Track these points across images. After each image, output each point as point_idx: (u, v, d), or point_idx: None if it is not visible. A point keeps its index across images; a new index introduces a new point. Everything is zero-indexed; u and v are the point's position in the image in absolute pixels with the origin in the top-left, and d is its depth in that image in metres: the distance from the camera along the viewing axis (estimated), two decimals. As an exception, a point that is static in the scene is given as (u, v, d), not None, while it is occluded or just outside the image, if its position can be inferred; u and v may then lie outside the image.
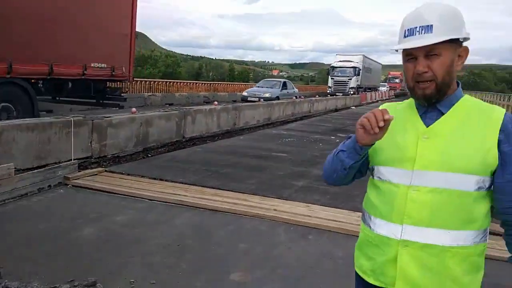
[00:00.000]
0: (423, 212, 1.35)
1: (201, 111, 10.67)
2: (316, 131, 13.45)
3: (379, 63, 58.98)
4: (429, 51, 1.31)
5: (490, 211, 1.42)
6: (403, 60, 1.40)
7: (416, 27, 1.31)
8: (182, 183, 6.04)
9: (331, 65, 42.22)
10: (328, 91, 39.61)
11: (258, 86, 24.43)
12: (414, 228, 1.36)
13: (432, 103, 1.38)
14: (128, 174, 6.35)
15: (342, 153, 1.47)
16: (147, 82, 24.21)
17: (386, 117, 1.30)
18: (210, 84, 32.66)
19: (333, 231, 4.46)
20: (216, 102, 14.23)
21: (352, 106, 28.89)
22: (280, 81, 25.00)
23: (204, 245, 4.03)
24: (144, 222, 4.54)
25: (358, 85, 40.90)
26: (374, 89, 51.56)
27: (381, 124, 1.30)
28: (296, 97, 22.96)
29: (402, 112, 1.47)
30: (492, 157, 1.32)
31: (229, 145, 9.85)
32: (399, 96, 53.56)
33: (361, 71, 40.94)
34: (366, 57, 45.75)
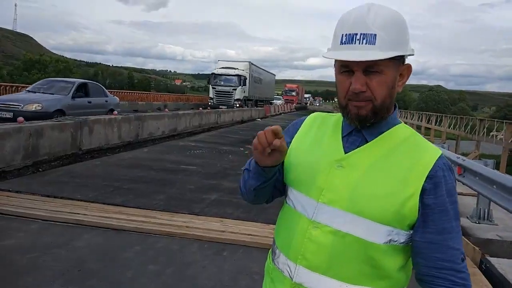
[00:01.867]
0: (321, 257, 1.12)
1: (99, 121, 9.99)
2: (225, 143, 13.42)
3: (272, 74, 55.37)
4: (369, 67, 1.07)
5: (409, 269, 1.19)
6: (335, 70, 1.15)
7: (356, 34, 1.06)
8: (80, 200, 5.53)
9: (212, 72, 36.42)
10: (209, 103, 34.40)
11: (29, 91, 13.21)
12: (308, 272, 1.13)
13: (366, 126, 1.14)
14: (17, 192, 5.67)
15: (247, 173, 1.24)
16: (35, 89, 22.10)
17: (270, 140, 1.08)
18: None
19: (248, 245, 4.39)
20: (116, 112, 13.46)
21: (258, 118, 29.64)
22: (74, 83, 13.37)
23: (108, 269, 3.69)
24: (38, 246, 4.03)
25: (245, 96, 36.18)
26: (268, 102, 48.19)
27: (268, 150, 1.08)
28: (113, 110, 14.33)
29: (328, 128, 1.26)
30: (410, 209, 1.08)
31: (133, 158, 9.35)
32: (299, 110, 56.07)
33: (247, 81, 36.17)
34: (253, 65, 40.75)
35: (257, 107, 37.29)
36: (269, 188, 1.26)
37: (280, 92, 75.66)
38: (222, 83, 34.89)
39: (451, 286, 1.08)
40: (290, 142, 1.28)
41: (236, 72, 35.46)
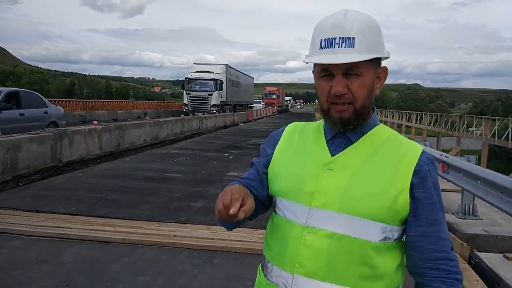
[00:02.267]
0: (318, 262, 1.11)
1: (79, 132, 9.82)
2: (208, 149, 13.33)
3: (251, 77, 52.57)
4: (349, 70, 1.10)
5: (403, 267, 1.20)
6: (315, 76, 1.17)
7: (335, 38, 1.09)
8: (64, 213, 5.41)
9: (186, 76, 33.95)
10: (184, 110, 32.13)
11: None
12: (307, 280, 1.12)
13: (349, 128, 1.16)
14: (-3, 208, 5.47)
15: (220, 221, 1.13)
16: (11, 101, 21.62)
17: (231, 213, 1.02)
18: (86, 102, 30.53)
19: (239, 252, 4.35)
20: (95, 122, 13.26)
21: (240, 122, 29.58)
22: (0, 92, 11.17)
23: (97, 282, 3.60)
24: (23, 262, 3.91)
25: (223, 101, 34.24)
26: (247, 106, 46.25)
27: (233, 219, 1.04)
28: (56, 123, 12.44)
29: (310, 134, 1.26)
30: (402, 204, 1.11)
31: (115, 168, 9.20)
32: (281, 113, 55.95)
33: (224, 85, 34.20)
34: (231, 67, 38.48)
35: (236, 111, 35.84)
36: (253, 213, 1.22)
37: (261, 96, 75.41)
38: (197, 88, 32.71)
39: (445, 275, 1.12)
40: (273, 153, 1.28)
41: (212, 76, 33.14)
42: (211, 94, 32.37)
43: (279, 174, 1.22)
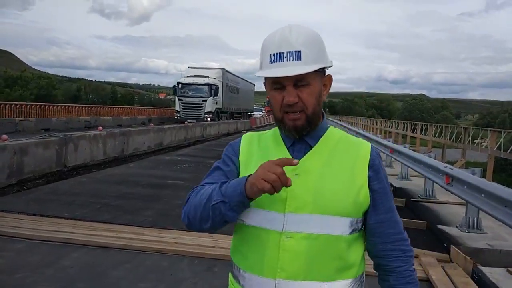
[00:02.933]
0: (299, 264, 1.17)
1: (84, 137, 9.87)
2: (211, 156, 13.31)
3: (251, 83, 48.88)
4: (299, 80, 1.18)
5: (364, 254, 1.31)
6: (267, 88, 1.25)
7: (283, 53, 1.17)
8: (67, 218, 5.44)
9: (178, 81, 31.44)
10: (175, 117, 30.35)
11: None
12: (290, 283, 1.18)
13: (302, 135, 1.24)
14: (2, 211, 5.54)
15: (223, 205, 1.16)
16: (17, 106, 21.85)
17: (289, 183, 1.09)
18: (92, 107, 30.71)
19: (240, 261, 4.33)
20: (100, 127, 13.35)
21: (244, 130, 29.54)
22: None
23: (98, 287, 3.59)
24: (25, 265, 3.93)
25: (218, 108, 31.88)
26: (246, 114, 44.02)
27: (289, 184, 1.09)
28: None
29: (269, 143, 1.31)
30: (364, 196, 1.22)
31: (119, 174, 9.24)
32: None
33: (220, 90, 31.88)
34: (228, 72, 35.93)
35: (233, 119, 33.62)
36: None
37: (262, 104, 75.06)
38: (190, 93, 30.29)
39: (402, 254, 1.28)
40: (238, 161, 1.32)
41: (207, 80, 30.70)
42: (205, 100, 30.06)
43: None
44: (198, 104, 30.04)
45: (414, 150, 10.14)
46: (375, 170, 1.25)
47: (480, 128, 19.78)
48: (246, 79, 46.98)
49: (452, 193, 5.59)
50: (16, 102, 23.67)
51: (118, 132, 11.82)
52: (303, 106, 1.20)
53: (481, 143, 17.77)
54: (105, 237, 4.72)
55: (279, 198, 1.18)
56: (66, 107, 27.21)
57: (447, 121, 61.88)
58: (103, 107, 33.77)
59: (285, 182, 1.08)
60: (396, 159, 9.74)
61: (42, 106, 24.07)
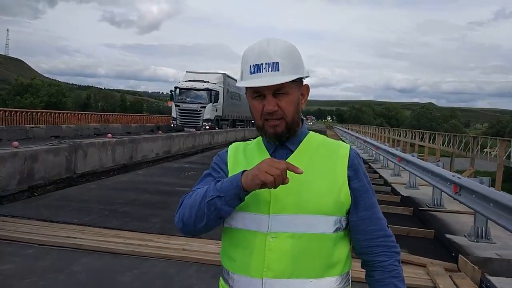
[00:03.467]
0: (284, 262, 1.22)
1: (93, 145, 9.97)
2: (218, 164, 13.35)
3: None
4: (278, 90, 1.26)
5: (350, 252, 1.35)
6: (248, 97, 1.32)
7: (262, 64, 1.25)
8: (77, 224, 5.49)
9: (176, 86, 29.08)
10: (172, 125, 28.57)
11: None
12: (276, 281, 1.22)
13: (282, 141, 1.32)
14: (13, 216, 5.63)
15: (219, 200, 1.21)
16: (28, 113, 22.12)
17: (287, 181, 1.17)
18: (101, 115, 30.98)
19: (247, 268, 4.34)
20: (109, 135, 13.47)
21: (251, 138, 29.49)
22: None
23: (107, 294, 3.64)
24: (35, 271, 3.98)
25: (218, 116, 29.56)
26: (250, 122, 40.63)
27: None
28: None
29: (254, 152, 1.39)
30: (345, 195, 1.28)
31: (127, 181, 9.31)
32: None
33: (221, 96, 29.66)
34: (230, 77, 33.02)
35: (235, 128, 31.93)
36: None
37: None
38: (188, 99, 28.16)
39: (386, 249, 1.32)
40: (227, 169, 1.38)
41: (206, 85, 28.33)
42: (204, 107, 27.82)
43: None
44: (196, 110, 27.78)
45: (422, 159, 10.10)
46: (354, 169, 1.31)
47: (489, 137, 19.63)
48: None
49: (460, 202, 5.57)
50: (27, 110, 23.95)
51: (127, 139, 11.92)
52: (282, 114, 1.27)
53: (490, 152, 17.63)
54: (114, 243, 4.76)
55: (263, 200, 1.26)
56: (76, 115, 27.49)
57: (456, 130, 61.44)
58: (112, 114, 34.02)
59: (284, 179, 1.16)
60: (404, 168, 9.70)
61: (52, 114, 24.34)
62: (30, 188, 7.37)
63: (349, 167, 1.30)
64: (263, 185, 1.16)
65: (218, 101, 29.11)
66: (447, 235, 5.66)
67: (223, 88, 30.51)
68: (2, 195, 6.69)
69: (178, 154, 15.24)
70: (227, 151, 1.45)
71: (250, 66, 1.27)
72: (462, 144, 19.67)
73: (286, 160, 1.29)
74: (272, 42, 1.27)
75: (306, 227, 1.24)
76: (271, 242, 1.24)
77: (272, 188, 1.18)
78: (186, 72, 31.27)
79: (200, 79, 29.17)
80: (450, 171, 8.47)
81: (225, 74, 31.57)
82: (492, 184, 5.96)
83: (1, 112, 19.91)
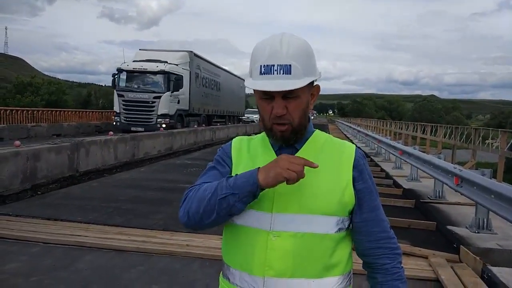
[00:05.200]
0: (286, 261, 1.22)
1: (95, 142, 10.00)
2: (220, 160, 13.38)
3: (242, 79, 33.99)
4: (288, 93, 1.22)
5: (351, 253, 1.34)
6: (256, 96, 1.29)
7: (273, 65, 1.20)
8: (80, 222, 5.53)
9: (119, 67, 20.21)
10: (114, 123, 20.43)
11: None
12: (277, 280, 1.22)
13: (289, 144, 1.30)
14: (16, 215, 5.67)
15: (232, 197, 1.20)
16: (29, 112, 22.16)
17: (303, 176, 1.19)
18: (102, 112, 30.97)
19: (250, 262, 4.38)
20: (111, 132, 13.48)
21: (252, 133, 29.50)
22: None
23: (112, 290, 3.67)
24: (40, 269, 4.02)
25: (181, 110, 21.28)
26: (235, 118, 35.17)
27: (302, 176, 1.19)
28: None
29: (258, 148, 1.37)
30: (349, 196, 1.27)
31: (130, 178, 9.35)
32: None
33: (186, 82, 21.45)
34: (200, 58, 24.63)
35: (211, 125, 23.87)
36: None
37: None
38: (136, 87, 19.73)
39: (389, 252, 1.32)
40: (231, 163, 1.37)
41: (162, 67, 19.64)
42: (159, 97, 19.38)
43: None
44: (148, 102, 19.39)
45: (424, 152, 10.11)
46: (359, 170, 1.30)
47: (491, 128, 19.59)
48: (233, 72, 35.20)
49: (461, 194, 5.60)
50: (28, 108, 23.99)
51: (128, 136, 11.95)
52: (289, 118, 1.24)
53: (492, 143, 17.62)
54: (117, 240, 4.80)
55: (267, 198, 1.25)
56: (76, 112, 27.50)
57: (458, 122, 61.29)
58: (114, 111, 33.96)
59: (303, 175, 1.18)
60: (405, 161, 9.72)
61: (53, 112, 24.37)
62: (33, 187, 7.41)
63: (354, 167, 1.29)
64: (286, 181, 1.17)
65: (182, 89, 20.77)
66: (449, 227, 5.69)
67: (190, 72, 22.21)
68: (5, 195, 6.73)
69: (180, 150, 15.28)
70: (230, 145, 1.42)
71: (261, 66, 1.22)
72: (464, 136, 19.65)
73: None
74: (285, 40, 1.22)
75: (308, 226, 1.23)
76: (273, 241, 1.23)
77: (291, 184, 1.19)
78: (139, 50, 23.02)
79: (155, 59, 20.52)
80: (452, 163, 8.49)
81: (192, 52, 22.92)
82: (494, 175, 5.98)
83: (2, 111, 19.93)
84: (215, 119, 28.63)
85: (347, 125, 40.69)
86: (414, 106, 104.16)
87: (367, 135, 19.90)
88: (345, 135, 32.47)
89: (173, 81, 19.93)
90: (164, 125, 19.00)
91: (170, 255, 4.50)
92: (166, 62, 20.27)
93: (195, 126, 22.06)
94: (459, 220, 6.03)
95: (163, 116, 19.59)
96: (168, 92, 19.78)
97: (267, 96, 1.24)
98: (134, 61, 20.83)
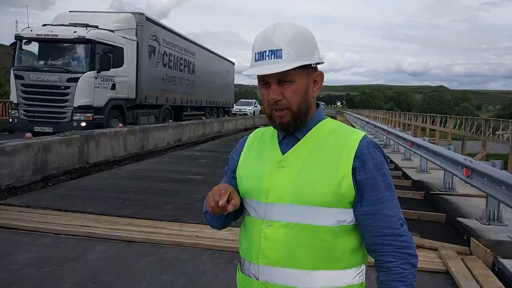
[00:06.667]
0: (278, 251, 1.23)
1: (105, 134, 10.07)
2: (229, 151, 13.23)
3: (228, 61, 29.21)
4: (282, 78, 1.21)
5: (363, 248, 1.30)
6: (258, 85, 1.30)
7: (265, 51, 1.21)
8: (91, 213, 5.58)
9: (18, 34, 12.65)
10: (11, 119, 13.14)
11: None
12: (270, 268, 1.24)
13: (290, 131, 1.29)
14: (28, 207, 5.73)
15: (208, 215, 1.37)
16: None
17: (220, 204, 1.18)
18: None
19: (259, 254, 4.39)
20: (120, 124, 13.54)
21: (261, 125, 29.48)
22: None
23: (123, 280, 3.72)
24: (52, 259, 4.07)
25: (119, 99, 13.82)
26: (221, 110, 26.97)
27: (223, 213, 1.22)
28: None
29: (266, 140, 1.38)
30: (346, 187, 1.21)
31: (140, 170, 9.41)
32: None
33: (131, 58, 14.32)
34: (156, 23, 16.72)
35: (182, 121, 17.11)
36: (239, 212, 1.38)
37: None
38: (41, 64, 12.82)
39: (394, 249, 1.22)
40: (238, 159, 1.42)
41: (81, 33, 12.32)
42: (75, 80, 12.21)
43: (243, 177, 1.36)
44: (58, 88, 12.27)
45: (434, 143, 10.04)
46: (362, 160, 1.22)
47: (501, 119, 19.38)
48: (219, 53, 26.81)
49: (472, 185, 5.56)
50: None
51: (138, 128, 12.01)
52: (287, 104, 1.23)
53: (502, 134, 17.43)
54: (127, 231, 4.85)
55: (264, 188, 1.28)
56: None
57: (467, 113, 60.67)
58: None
59: (225, 208, 1.19)
60: (415, 152, 9.66)
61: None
62: (44, 178, 7.49)
63: (356, 157, 1.22)
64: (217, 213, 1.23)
65: (120, 68, 13.68)
66: (459, 219, 5.65)
67: (138, 44, 14.89)
68: (17, 186, 6.81)
69: (189, 142, 15.33)
70: (247, 138, 1.46)
71: (256, 53, 1.25)
72: (474, 127, 19.46)
73: (291, 149, 1.29)
74: (278, 27, 1.23)
75: (300, 217, 1.22)
76: (266, 230, 1.25)
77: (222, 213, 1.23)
78: (69, 11, 15.21)
79: (77, 22, 13.28)
80: (462, 154, 8.42)
81: (142, 14, 15.47)
82: (505, 166, 5.91)
83: (13, 104, 19.86)
84: (188, 111, 20.96)
85: (355, 117, 40.52)
86: (423, 97, 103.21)
87: (375, 126, 19.78)
88: (354, 126, 32.34)
89: (100, 55, 12.55)
90: (83, 124, 12.11)
91: (179, 246, 4.53)
92: (96, 27, 12.96)
93: (156, 122, 15.92)
94: (469, 212, 5.99)
95: (83, 108, 12.32)
96: (90, 72, 12.41)
97: (264, 82, 1.25)
98: (44, 24, 13.28)
